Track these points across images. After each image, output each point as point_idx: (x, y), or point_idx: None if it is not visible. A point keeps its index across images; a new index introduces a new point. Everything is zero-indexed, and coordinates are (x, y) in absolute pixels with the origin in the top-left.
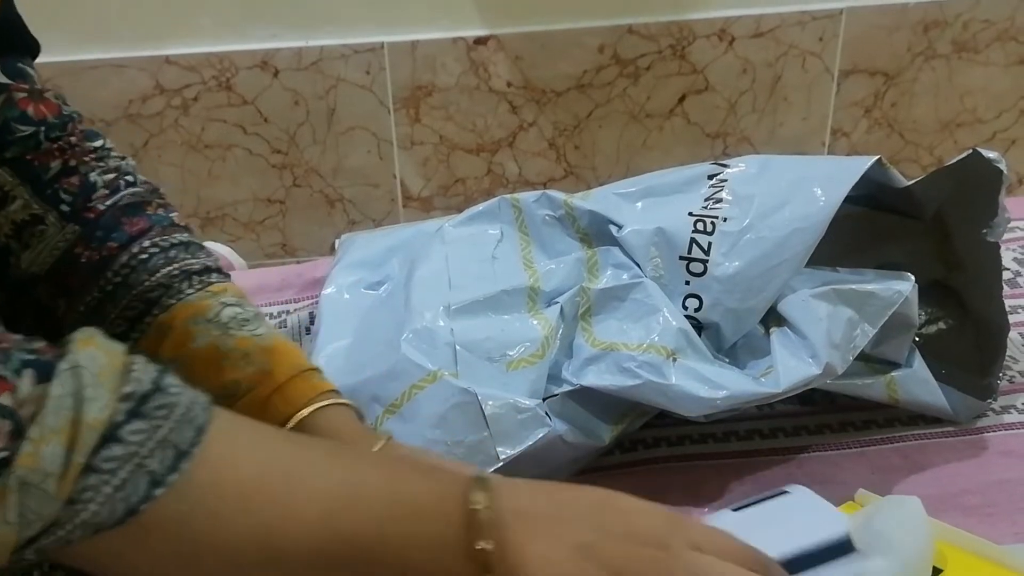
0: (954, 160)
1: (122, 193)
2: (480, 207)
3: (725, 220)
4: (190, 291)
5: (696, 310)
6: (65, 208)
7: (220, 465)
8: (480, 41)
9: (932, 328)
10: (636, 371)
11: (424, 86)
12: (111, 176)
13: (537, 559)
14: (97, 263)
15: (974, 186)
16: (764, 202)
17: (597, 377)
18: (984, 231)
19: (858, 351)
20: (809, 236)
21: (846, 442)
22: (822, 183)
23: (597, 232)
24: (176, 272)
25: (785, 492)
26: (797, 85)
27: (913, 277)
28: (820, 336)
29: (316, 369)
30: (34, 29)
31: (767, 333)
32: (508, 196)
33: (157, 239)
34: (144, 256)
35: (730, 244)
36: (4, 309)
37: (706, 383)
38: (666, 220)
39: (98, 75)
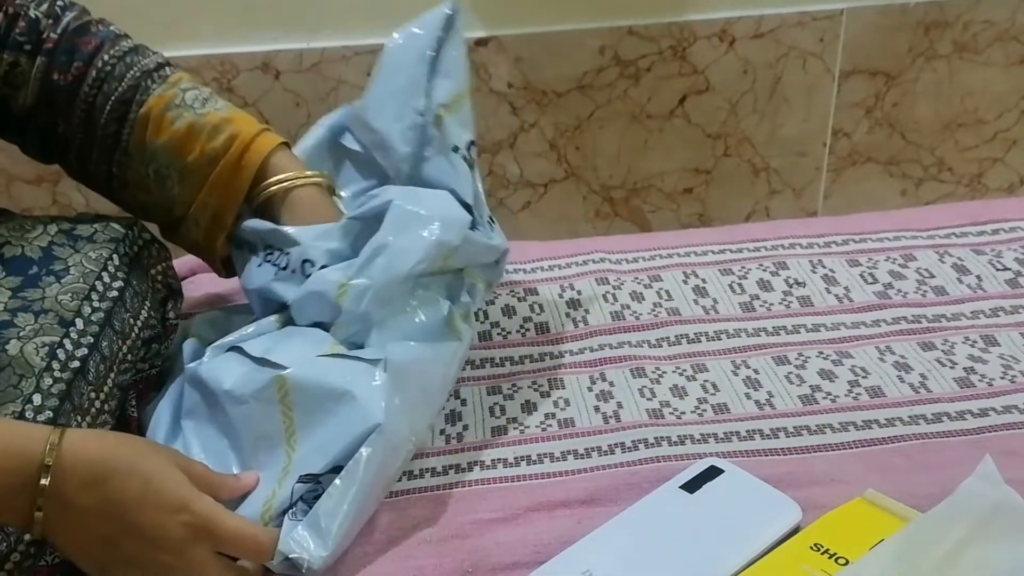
0: None
1: (65, 20)
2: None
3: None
4: (154, 86)
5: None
6: (28, 48)
7: None
8: (481, 43)
9: None
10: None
11: None
12: (46, 7)
13: (69, 543)
14: (73, 82)
15: None
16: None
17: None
18: None
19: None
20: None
21: (847, 442)
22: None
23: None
24: (138, 74)
25: (713, 466)
26: (798, 86)
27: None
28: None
29: (268, 128)
30: None
31: None
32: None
33: (112, 51)
34: (108, 68)
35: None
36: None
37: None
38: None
39: None
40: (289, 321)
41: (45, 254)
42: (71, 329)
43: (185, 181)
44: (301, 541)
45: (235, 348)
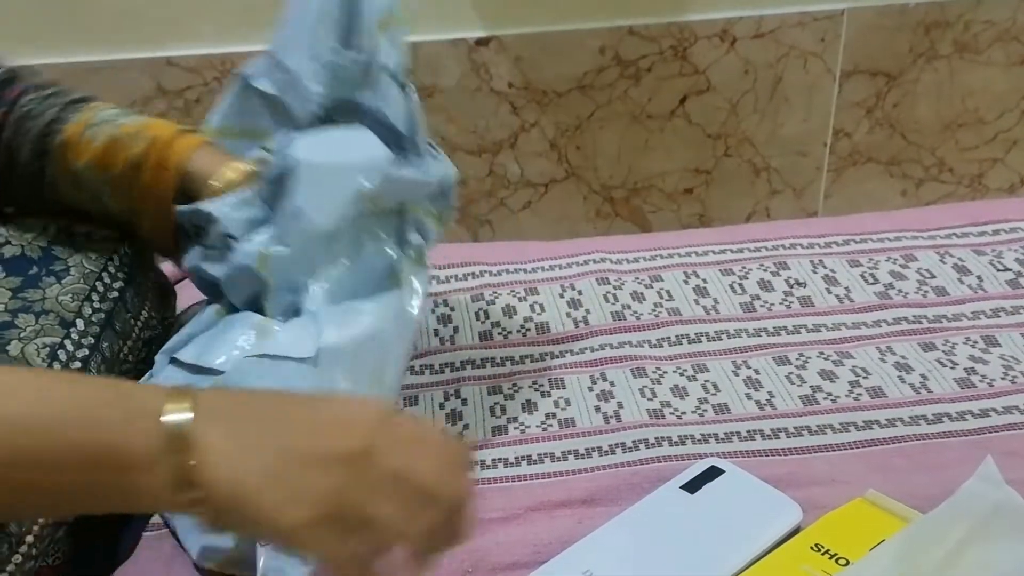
0: None
1: None
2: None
3: None
4: (72, 115)
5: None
6: None
7: None
8: (481, 42)
9: None
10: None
11: (425, 88)
12: None
13: (238, 455)
14: None
15: None
16: None
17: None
18: None
19: None
20: None
21: (848, 442)
22: None
23: None
24: (57, 108)
25: (714, 466)
26: (798, 86)
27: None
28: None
29: (187, 128)
30: (37, 32)
31: None
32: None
33: (34, 95)
34: (27, 108)
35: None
36: None
37: None
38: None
39: (100, 77)
40: (231, 308)
41: (45, 254)
42: (72, 330)
43: (117, 192)
44: (278, 568)
45: (173, 360)
